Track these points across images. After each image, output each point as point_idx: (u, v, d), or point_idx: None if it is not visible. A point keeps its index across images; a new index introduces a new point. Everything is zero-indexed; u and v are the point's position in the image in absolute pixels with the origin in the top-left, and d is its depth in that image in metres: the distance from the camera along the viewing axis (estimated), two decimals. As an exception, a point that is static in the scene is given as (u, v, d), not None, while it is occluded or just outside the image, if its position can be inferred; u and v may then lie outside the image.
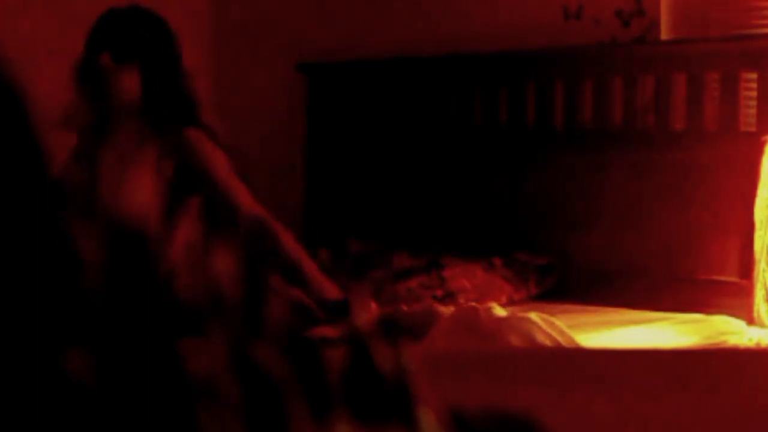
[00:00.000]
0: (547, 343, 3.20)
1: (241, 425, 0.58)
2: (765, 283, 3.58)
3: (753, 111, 3.95)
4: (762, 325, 3.58)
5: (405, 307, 3.75)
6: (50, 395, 0.56)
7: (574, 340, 3.27)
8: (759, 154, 3.68)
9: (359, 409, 0.62)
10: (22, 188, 0.57)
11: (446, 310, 3.63)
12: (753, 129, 3.89)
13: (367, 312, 0.67)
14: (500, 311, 3.42)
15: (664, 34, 4.30)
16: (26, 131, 0.57)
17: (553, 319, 3.37)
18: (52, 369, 0.56)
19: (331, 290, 3.41)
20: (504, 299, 3.99)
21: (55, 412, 0.55)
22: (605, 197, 4.17)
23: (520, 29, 4.49)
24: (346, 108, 4.93)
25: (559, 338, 3.25)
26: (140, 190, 0.59)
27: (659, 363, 1.49)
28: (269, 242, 3.31)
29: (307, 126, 5.08)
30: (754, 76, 3.95)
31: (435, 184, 4.63)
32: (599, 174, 4.19)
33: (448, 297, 3.91)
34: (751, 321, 3.64)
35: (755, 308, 3.60)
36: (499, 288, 4.05)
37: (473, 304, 3.57)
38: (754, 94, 3.95)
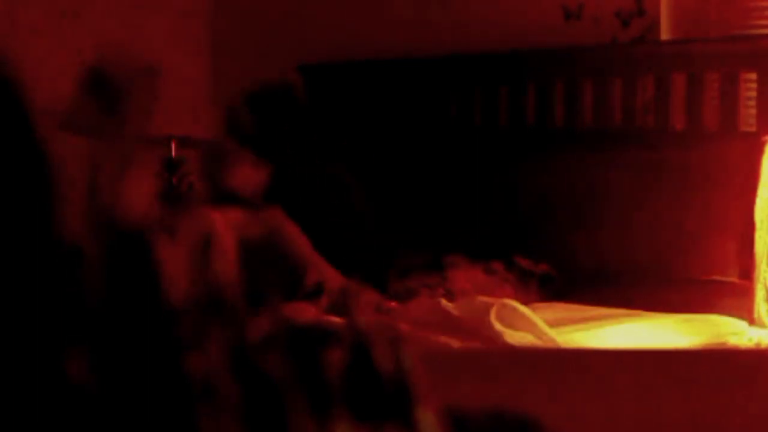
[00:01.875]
0: None
1: (240, 425, 0.58)
2: (765, 284, 3.58)
3: (753, 111, 3.95)
4: (762, 326, 3.58)
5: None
6: (50, 396, 0.56)
7: None
8: (759, 154, 3.68)
9: (359, 409, 0.62)
10: (22, 189, 0.57)
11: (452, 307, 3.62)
12: (753, 129, 3.89)
13: (366, 310, 0.67)
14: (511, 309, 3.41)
15: (664, 34, 4.30)
16: (26, 132, 0.57)
17: (546, 329, 3.38)
18: (52, 370, 0.56)
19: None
20: (503, 301, 3.99)
21: (56, 413, 0.55)
22: (605, 197, 4.17)
23: (520, 29, 4.49)
24: (346, 108, 4.93)
25: None
26: (140, 193, 0.59)
27: (659, 363, 1.49)
28: (353, 308, 3.44)
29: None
30: (754, 76, 3.95)
31: (435, 184, 4.63)
32: (599, 174, 4.18)
33: (448, 296, 3.91)
34: (751, 321, 3.64)
35: (755, 308, 3.60)
36: (499, 290, 4.04)
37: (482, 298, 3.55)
38: (754, 94, 3.95)
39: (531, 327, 3.33)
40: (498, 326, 3.29)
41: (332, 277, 3.61)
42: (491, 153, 4.50)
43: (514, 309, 3.39)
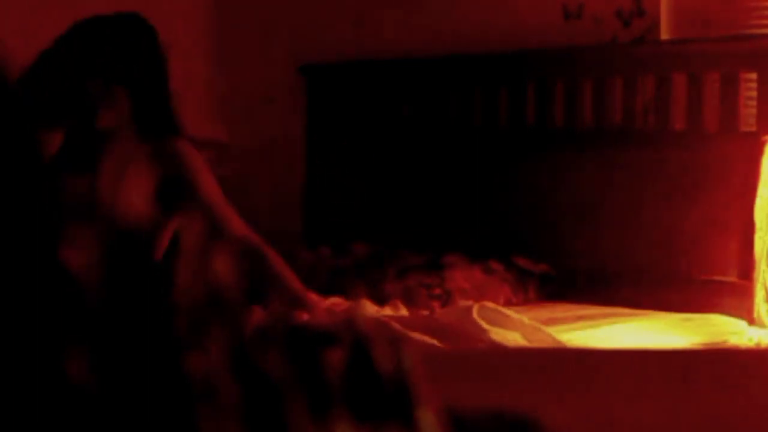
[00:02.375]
0: None
1: (240, 425, 0.58)
2: (765, 284, 3.58)
3: (753, 111, 3.95)
4: (762, 325, 3.58)
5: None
6: (50, 396, 0.56)
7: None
8: (759, 154, 3.68)
9: (359, 409, 0.62)
10: (20, 188, 0.57)
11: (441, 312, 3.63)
12: (753, 129, 3.89)
13: (365, 313, 0.67)
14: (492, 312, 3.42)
15: (664, 34, 4.30)
16: (23, 132, 0.57)
17: (538, 325, 3.38)
18: (51, 370, 0.56)
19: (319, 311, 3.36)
20: (502, 301, 3.99)
21: (55, 413, 0.55)
22: (605, 197, 4.17)
23: (520, 29, 4.49)
24: (346, 109, 4.93)
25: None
26: (138, 194, 0.59)
27: (659, 363, 1.49)
28: (257, 263, 3.24)
29: (307, 126, 5.08)
30: (754, 76, 3.95)
31: (435, 184, 4.63)
32: (599, 174, 4.19)
33: (446, 296, 3.92)
34: (751, 321, 3.64)
35: (755, 308, 3.60)
36: (498, 290, 4.05)
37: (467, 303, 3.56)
38: (754, 94, 3.95)
39: (519, 326, 3.34)
40: (483, 324, 3.31)
41: (238, 226, 3.34)
42: (491, 153, 4.50)
43: (496, 309, 3.42)
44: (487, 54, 4.51)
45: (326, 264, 4.27)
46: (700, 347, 3.41)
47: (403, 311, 3.74)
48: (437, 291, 3.94)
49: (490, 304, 3.47)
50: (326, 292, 3.75)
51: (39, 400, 0.55)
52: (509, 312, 3.43)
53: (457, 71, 4.60)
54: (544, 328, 3.36)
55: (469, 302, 3.54)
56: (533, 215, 4.34)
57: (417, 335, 3.19)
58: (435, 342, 3.19)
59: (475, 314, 3.34)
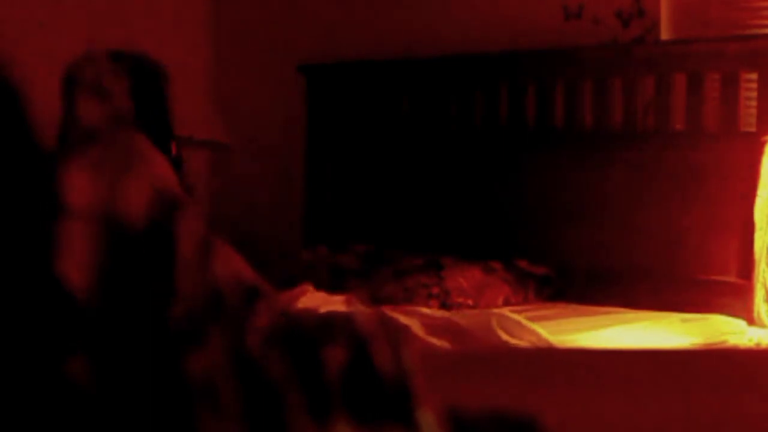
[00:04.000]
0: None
1: (240, 425, 0.58)
2: (765, 283, 3.58)
3: (753, 111, 3.95)
4: (762, 325, 3.58)
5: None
6: (51, 399, 0.55)
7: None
8: (759, 154, 3.68)
9: (358, 410, 0.62)
10: (21, 188, 0.57)
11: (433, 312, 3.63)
12: (753, 129, 3.89)
13: (365, 313, 0.67)
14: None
15: (664, 34, 4.30)
16: (24, 130, 0.57)
17: (524, 320, 3.39)
18: (52, 371, 0.56)
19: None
20: (500, 301, 3.99)
21: (57, 416, 0.55)
22: (605, 197, 4.17)
23: (520, 29, 4.49)
24: (346, 109, 4.93)
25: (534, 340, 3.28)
26: (138, 195, 0.59)
27: (659, 363, 1.49)
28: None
29: (307, 126, 5.08)
30: (754, 76, 3.95)
31: (434, 184, 4.63)
32: (599, 174, 4.18)
33: (445, 295, 3.91)
34: (751, 321, 3.64)
35: (755, 308, 3.60)
36: (498, 289, 4.04)
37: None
38: (754, 94, 3.95)
39: (535, 338, 3.33)
40: (503, 335, 3.30)
41: None
42: (491, 153, 4.50)
43: (517, 322, 3.40)
44: (487, 54, 4.51)
45: (326, 264, 4.26)
46: (700, 347, 3.40)
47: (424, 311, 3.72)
48: (436, 290, 3.94)
49: (510, 315, 3.46)
50: (326, 292, 3.75)
51: (40, 401, 0.55)
52: (528, 323, 3.41)
53: (457, 71, 4.60)
54: (557, 344, 3.35)
55: (490, 311, 3.52)
56: (533, 215, 4.34)
57: (421, 336, 3.19)
58: (445, 344, 3.20)
59: (494, 324, 3.34)
